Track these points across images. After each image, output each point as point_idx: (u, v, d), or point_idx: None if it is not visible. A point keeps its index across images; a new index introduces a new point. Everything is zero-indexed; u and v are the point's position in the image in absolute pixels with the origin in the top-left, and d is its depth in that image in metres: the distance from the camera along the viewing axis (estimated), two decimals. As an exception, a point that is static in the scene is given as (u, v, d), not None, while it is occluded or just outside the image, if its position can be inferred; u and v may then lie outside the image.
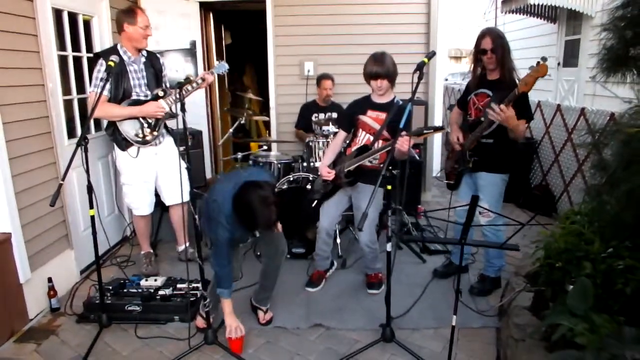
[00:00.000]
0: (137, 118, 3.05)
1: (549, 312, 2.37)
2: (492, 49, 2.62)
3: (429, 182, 4.96)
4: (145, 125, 3.08)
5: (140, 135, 3.08)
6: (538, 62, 2.33)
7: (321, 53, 4.55)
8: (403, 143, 2.38)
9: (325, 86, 4.13)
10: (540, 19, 6.37)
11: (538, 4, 5.90)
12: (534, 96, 5.99)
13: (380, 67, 2.68)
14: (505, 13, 7.12)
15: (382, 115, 2.80)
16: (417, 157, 3.94)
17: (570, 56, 6.04)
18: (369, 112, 2.85)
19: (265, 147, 4.23)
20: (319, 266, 3.20)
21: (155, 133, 3.10)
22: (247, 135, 6.41)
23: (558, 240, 2.74)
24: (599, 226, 2.73)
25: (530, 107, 2.69)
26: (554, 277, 2.64)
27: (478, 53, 2.70)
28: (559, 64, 6.33)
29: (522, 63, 7.33)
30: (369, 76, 2.74)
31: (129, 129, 3.05)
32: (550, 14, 6.25)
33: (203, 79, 3.14)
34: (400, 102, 2.78)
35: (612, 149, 2.55)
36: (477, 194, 1.91)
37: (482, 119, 2.67)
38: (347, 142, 3.01)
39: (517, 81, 2.61)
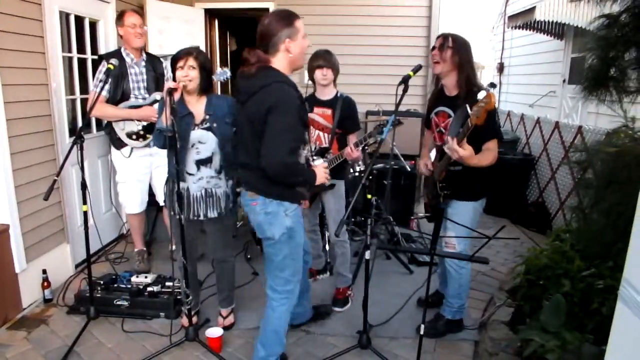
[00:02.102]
0: (132, 120, 3.15)
1: (523, 328, 2.40)
2: (440, 46, 2.36)
3: (423, 193, 4.99)
4: (140, 127, 3.18)
5: (134, 137, 3.18)
6: (487, 90, 2.09)
7: (322, 63, 4.63)
8: (350, 153, 2.70)
9: None
10: (547, 35, 6.37)
11: (544, 21, 5.91)
12: (538, 112, 6.03)
13: (325, 58, 2.79)
14: (512, 28, 7.13)
15: (328, 112, 2.90)
16: (409, 168, 3.98)
17: (576, 73, 6.02)
18: (316, 109, 2.93)
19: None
20: (312, 264, 3.28)
21: (149, 136, 3.20)
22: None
23: (539, 257, 2.76)
24: (585, 245, 2.75)
25: (496, 125, 2.34)
26: (532, 292, 2.66)
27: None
28: (564, 80, 6.31)
29: (529, 79, 7.37)
30: (315, 67, 2.80)
31: (123, 130, 3.16)
32: (557, 31, 6.25)
33: None
34: (344, 96, 2.89)
35: (596, 167, 2.58)
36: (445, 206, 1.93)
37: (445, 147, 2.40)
38: None
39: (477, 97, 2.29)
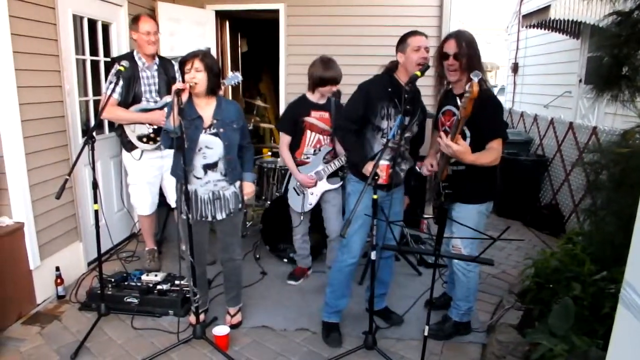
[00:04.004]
0: (143, 124, 3.19)
1: (531, 331, 2.36)
2: (455, 54, 2.25)
3: (429, 195, 4.95)
4: (151, 131, 3.21)
5: (145, 140, 3.21)
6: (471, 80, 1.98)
7: (332, 63, 4.64)
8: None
9: None
10: (563, 34, 6.26)
11: (559, 19, 5.81)
12: (553, 113, 5.93)
13: (336, 73, 2.93)
14: (527, 28, 7.04)
15: (325, 115, 3.03)
16: (418, 169, 3.94)
17: (593, 73, 5.88)
18: (313, 113, 3.01)
19: (269, 154, 4.34)
20: (301, 264, 3.44)
21: (159, 139, 3.19)
22: (261, 141, 6.56)
23: (548, 260, 2.72)
24: (596, 248, 2.70)
25: (500, 122, 2.32)
26: (542, 296, 2.63)
27: (440, 58, 2.36)
28: (580, 80, 6.19)
29: (544, 79, 7.25)
30: (330, 81, 2.92)
31: (134, 132, 3.20)
32: (572, 30, 6.13)
33: None
34: (334, 99, 3.09)
35: (608, 169, 2.53)
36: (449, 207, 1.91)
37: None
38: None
39: (492, 95, 2.32)
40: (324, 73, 2.90)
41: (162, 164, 3.34)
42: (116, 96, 3.06)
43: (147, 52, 3.17)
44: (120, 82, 3.03)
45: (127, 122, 3.17)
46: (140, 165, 3.29)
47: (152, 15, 3.86)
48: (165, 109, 3.10)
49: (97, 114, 3.41)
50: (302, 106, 3.05)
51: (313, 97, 3.03)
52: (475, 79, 1.86)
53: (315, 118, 3.01)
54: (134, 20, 3.15)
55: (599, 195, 2.60)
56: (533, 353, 2.18)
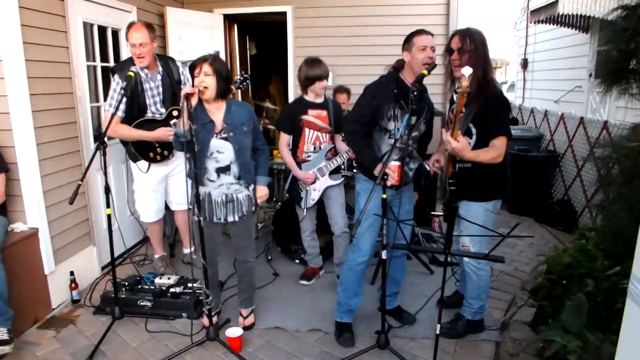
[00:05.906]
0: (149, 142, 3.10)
1: (544, 328, 2.34)
2: (459, 48, 2.25)
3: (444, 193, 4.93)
4: (157, 145, 3.15)
5: (151, 156, 3.16)
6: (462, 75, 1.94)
7: (340, 64, 4.65)
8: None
9: (339, 100, 4.19)
10: (572, 28, 6.19)
11: (568, 14, 5.75)
12: (563, 108, 5.86)
13: (324, 70, 3.02)
14: (536, 23, 6.98)
15: (323, 113, 3.11)
16: (428, 168, 3.93)
17: (603, 67, 5.82)
18: (310, 112, 3.09)
19: (280, 155, 4.34)
20: (312, 264, 3.45)
21: (166, 153, 3.17)
22: (271, 143, 6.56)
23: (561, 256, 2.69)
24: (608, 244, 2.67)
25: (503, 121, 2.31)
26: (554, 292, 2.60)
27: (447, 55, 2.35)
28: (590, 75, 6.12)
29: (553, 74, 7.17)
30: (316, 78, 3.00)
31: (140, 149, 3.13)
32: (581, 24, 6.07)
33: None
34: (331, 99, 3.25)
35: (619, 163, 2.50)
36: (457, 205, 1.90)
37: None
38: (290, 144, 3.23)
39: (498, 92, 2.33)
40: (308, 72, 3.00)
41: (167, 171, 3.30)
42: (120, 113, 2.94)
43: (138, 66, 2.98)
44: (123, 99, 2.90)
45: (131, 139, 3.07)
46: (147, 173, 3.23)
47: (155, 23, 3.79)
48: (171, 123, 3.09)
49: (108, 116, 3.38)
50: (299, 105, 3.13)
51: (309, 97, 3.11)
52: (466, 74, 1.85)
53: (313, 116, 3.08)
54: (126, 30, 2.95)
55: (610, 190, 2.56)
56: (547, 350, 2.16)
